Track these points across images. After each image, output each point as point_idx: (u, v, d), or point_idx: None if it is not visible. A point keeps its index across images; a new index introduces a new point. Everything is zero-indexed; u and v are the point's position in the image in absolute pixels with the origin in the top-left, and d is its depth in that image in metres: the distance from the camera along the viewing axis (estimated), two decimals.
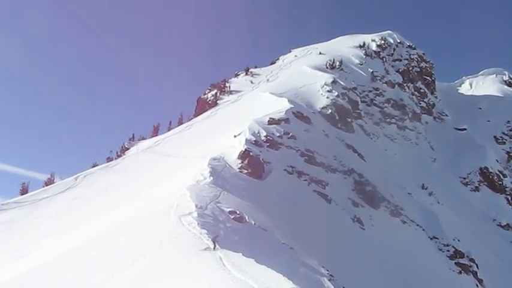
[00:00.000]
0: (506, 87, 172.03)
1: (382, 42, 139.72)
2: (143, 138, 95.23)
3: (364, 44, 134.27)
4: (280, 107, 75.89)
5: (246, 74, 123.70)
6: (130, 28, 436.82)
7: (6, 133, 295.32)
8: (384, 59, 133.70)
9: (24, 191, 72.01)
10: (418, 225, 72.34)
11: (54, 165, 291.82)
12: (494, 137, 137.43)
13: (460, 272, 67.79)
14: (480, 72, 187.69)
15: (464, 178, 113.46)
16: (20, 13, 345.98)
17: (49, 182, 75.56)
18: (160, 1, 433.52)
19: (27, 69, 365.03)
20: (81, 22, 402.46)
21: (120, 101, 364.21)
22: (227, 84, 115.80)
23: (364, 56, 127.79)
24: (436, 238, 72.63)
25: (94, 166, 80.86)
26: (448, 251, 70.95)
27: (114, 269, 31.21)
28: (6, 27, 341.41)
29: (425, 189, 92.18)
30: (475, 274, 69.33)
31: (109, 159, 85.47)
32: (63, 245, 43.84)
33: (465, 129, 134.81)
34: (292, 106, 76.86)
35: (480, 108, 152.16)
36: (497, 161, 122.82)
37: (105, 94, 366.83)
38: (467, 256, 70.89)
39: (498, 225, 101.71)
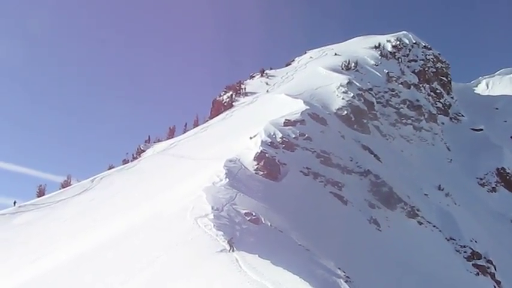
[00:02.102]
0: None
1: (398, 42, 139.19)
2: (159, 141, 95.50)
3: (379, 44, 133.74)
4: (295, 108, 75.70)
5: (261, 75, 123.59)
6: (146, 30, 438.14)
7: (23, 136, 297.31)
8: (400, 59, 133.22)
9: (41, 193, 72.35)
10: (434, 226, 72.05)
11: (71, 168, 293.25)
12: (511, 137, 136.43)
13: (478, 274, 67.48)
14: (497, 72, 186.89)
15: (481, 179, 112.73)
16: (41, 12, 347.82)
17: (66, 184, 75.90)
18: (175, 3, 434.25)
19: (44, 71, 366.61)
20: (99, 24, 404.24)
21: (135, 104, 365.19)
22: (242, 86, 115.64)
23: (380, 57, 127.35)
24: (453, 239, 72.31)
25: (110, 168, 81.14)
26: (465, 252, 70.64)
27: (130, 270, 31.30)
28: (20, 28, 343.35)
29: (442, 190, 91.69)
30: (492, 276, 68.97)
31: (125, 162, 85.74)
32: (80, 246, 44.03)
33: (482, 129, 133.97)
34: (308, 107, 76.66)
35: (497, 109, 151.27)
36: None
37: (121, 96, 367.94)
38: (484, 257, 70.55)
39: None
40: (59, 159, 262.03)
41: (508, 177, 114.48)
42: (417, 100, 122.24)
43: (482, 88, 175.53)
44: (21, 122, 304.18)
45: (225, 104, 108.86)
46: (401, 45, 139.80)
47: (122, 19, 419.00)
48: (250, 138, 64.17)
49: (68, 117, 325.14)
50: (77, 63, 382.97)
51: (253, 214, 40.76)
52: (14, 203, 67.88)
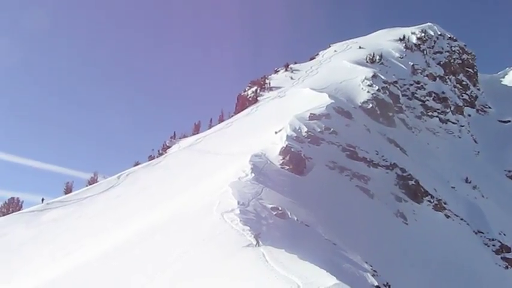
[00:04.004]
0: None
1: (423, 34, 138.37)
2: (184, 136, 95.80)
3: (404, 37, 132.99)
4: (320, 102, 75.54)
5: (286, 70, 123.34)
6: (171, 26, 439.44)
7: (50, 134, 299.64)
8: (425, 51, 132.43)
9: (68, 190, 72.90)
10: (462, 219, 71.57)
11: (97, 165, 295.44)
12: None
13: (507, 267, 66.90)
14: None
15: (510, 171, 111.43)
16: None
17: (92, 181, 76.37)
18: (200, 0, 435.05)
19: (71, 69, 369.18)
20: (123, 21, 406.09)
21: (161, 100, 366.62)
22: (267, 81, 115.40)
23: (405, 49, 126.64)
24: (481, 232, 71.78)
25: (136, 165, 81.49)
26: (493, 245, 70.09)
27: (157, 266, 31.42)
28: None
29: (469, 182, 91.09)
30: None
31: (151, 158, 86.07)
32: (107, 243, 44.27)
33: (509, 121, 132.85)
34: (333, 101, 76.49)
35: None
36: None
37: (147, 93, 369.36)
38: None
39: None
40: (85, 157, 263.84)
41: None
42: (443, 92, 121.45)
43: (510, 79, 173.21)
44: (49, 120, 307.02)
45: (250, 99, 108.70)
46: (426, 37, 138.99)
47: (146, 13, 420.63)
48: (276, 132, 64.11)
49: (95, 114, 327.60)
50: (104, 61, 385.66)
51: (280, 209, 40.70)
52: (42, 200, 68.64)
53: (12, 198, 69.31)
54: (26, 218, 62.83)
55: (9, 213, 66.08)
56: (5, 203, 68.53)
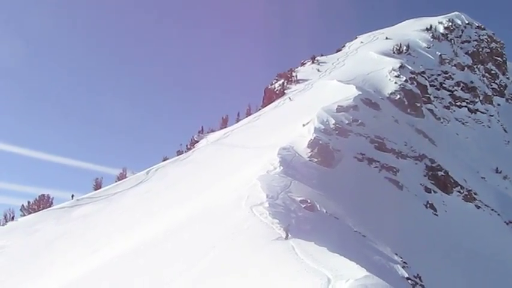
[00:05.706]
0: None
1: (450, 24, 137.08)
2: (212, 131, 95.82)
3: (431, 26, 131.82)
4: (348, 94, 75.23)
5: (313, 62, 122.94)
6: (197, 20, 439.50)
7: (79, 131, 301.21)
8: (452, 41, 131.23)
9: (97, 186, 73.36)
10: (493, 210, 70.96)
11: (126, 160, 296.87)
12: None
13: None
14: None
15: None
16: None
17: (121, 177, 76.73)
18: None
19: (98, 65, 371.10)
20: (152, 17, 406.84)
21: (188, 95, 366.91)
22: (294, 74, 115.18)
23: (432, 39, 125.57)
24: None
25: (165, 160, 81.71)
26: None
27: (187, 260, 31.48)
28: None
29: (500, 172, 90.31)
30: None
31: (179, 153, 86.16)
32: (137, 238, 44.48)
33: None
34: (360, 93, 76.20)
35: None
36: None
37: (174, 88, 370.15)
38: None
39: None
40: (114, 153, 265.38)
41: None
42: (471, 82, 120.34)
43: None
44: (78, 117, 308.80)
45: (277, 92, 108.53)
46: (454, 27, 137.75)
47: (170, 5, 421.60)
48: (303, 125, 63.83)
49: (123, 110, 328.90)
50: (131, 55, 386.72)
51: (309, 201, 40.55)
52: (72, 196, 69.04)
53: (43, 195, 69.75)
54: (56, 214, 63.41)
55: (40, 210, 66.62)
56: (36, 199, 68.94)
